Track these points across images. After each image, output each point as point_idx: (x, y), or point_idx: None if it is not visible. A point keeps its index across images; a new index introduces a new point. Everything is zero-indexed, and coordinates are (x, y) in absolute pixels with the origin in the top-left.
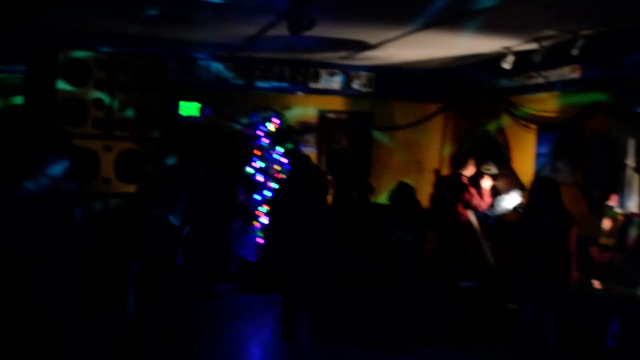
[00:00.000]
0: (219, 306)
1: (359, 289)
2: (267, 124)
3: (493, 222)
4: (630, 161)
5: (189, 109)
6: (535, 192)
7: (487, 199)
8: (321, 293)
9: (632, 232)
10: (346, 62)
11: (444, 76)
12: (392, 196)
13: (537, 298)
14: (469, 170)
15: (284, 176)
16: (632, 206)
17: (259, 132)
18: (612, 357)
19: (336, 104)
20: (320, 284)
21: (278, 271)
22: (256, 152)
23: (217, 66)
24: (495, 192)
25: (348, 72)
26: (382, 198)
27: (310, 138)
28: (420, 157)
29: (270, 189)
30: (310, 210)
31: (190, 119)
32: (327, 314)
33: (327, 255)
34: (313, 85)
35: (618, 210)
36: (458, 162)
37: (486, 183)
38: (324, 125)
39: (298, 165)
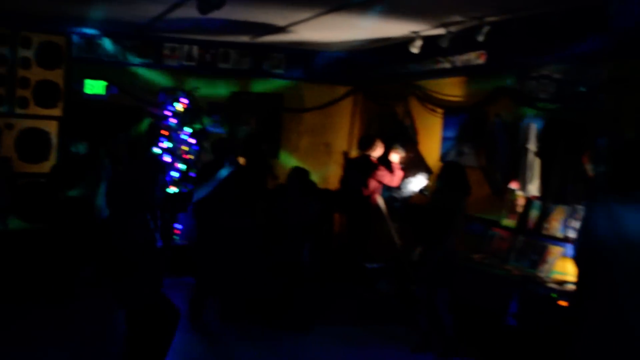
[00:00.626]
0: None
1: (265, 273)
2: (175, 104)
3: (400, 204)
4: (532, 145)
5: (95, 87)
6: (442, 176)
7: (399, 173)
8: (231, 277)
9: (533, 215)
10: (256, 41)
11: (353, 59)
12: (287, 180)
13: (426, 279)
14: (377, 152)
15: (192, 157)
16: (532, 189)
17: (166, 112)
18: (512, 335)
19: (246, 84)
20: (231, 268)
21: (193, 255)
22: (164, 132)
23: (124, 44)
24: (403, 176)
25: (258, 53)
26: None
27: (220, 119)
28: (330, 139)
29: (177, 170)
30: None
31: (96, 97)
32: (237, 299)
33: (237, 241)
34: (223, 65)
35: (520, 193)
36: (366, 144)
37: (394, 157)
38: (233, 106)
39: (217, 150)
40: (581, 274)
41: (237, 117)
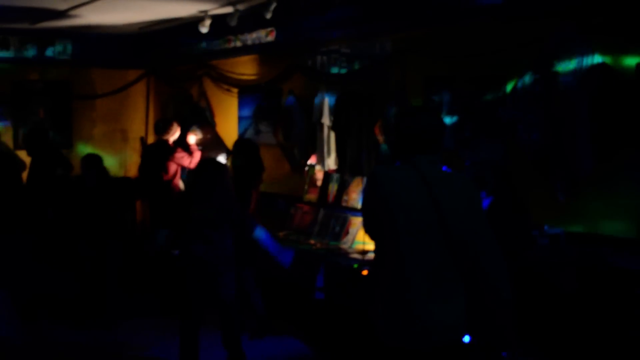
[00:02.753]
0: None
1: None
2: None
3: None
4: (326, 120)
5: None
6: (236, 154)
7: (197, 155)
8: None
9: (332, 188)
10: (39, 27)
11: (143, 41)
12: (82, 170)
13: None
14: (174, 136)
15: None
16: (330, 163)
17: None
18: (321, 308)
19: (30, 73)
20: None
21: None
22: None
23: None
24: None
25: (41, 38)
26: None
27: (4, 110)
28: (125, 125)
29: None
30: None
31: None
32: (29, 296)
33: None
34: (2, 53)
35: (318, 167)
36: (162, 128)
37: (192, 139)
38: (19, 96)
39: None
40: (375, 240)
41: (23, 107)
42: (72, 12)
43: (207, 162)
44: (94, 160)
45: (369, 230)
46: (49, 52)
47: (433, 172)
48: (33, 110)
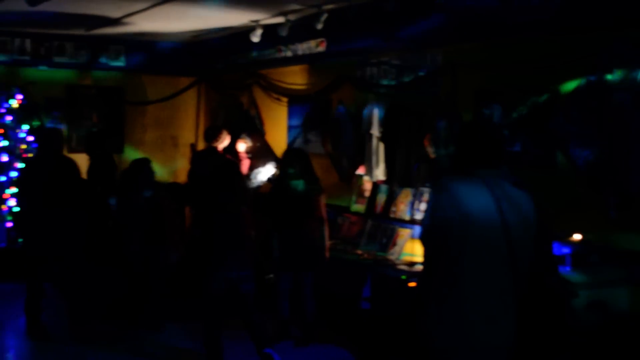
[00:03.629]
0: None
1: (111, 270)
2: (10, 100)
3: (250, 194)
4: (375, 131)
5: None
6: (286, 163)
7: (246, 163)
8: (75, 275)
9: (380, 199)
10: (93, 34)
11: (196, 49)
12: (130, 174)
13: (293, 265)
14: (224, 143)
15: (31, 155)
16: (378, 174)
17: (1, 110)
18: (367, 319)
19: (84, 78)
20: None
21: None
22: None
23: None
24: (252, 166)
25: (95, 45)
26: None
27: (59, 115)
28: (176, 132)
29: (16, 169)
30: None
31: None
32: (83, 297)
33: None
34: (58, 59)
35: (366, 178)
36: (212, 136)
37: (241, 147)
38: (73, 101)
39: (45, 141)
40: (428, 254)
41: (78, 112)
42: (126, 20)
43: (225, 164)
44: (145, 165)
45: (430, 240)
46: (103, 58)
47: (499, 188)
48: (86, 115)
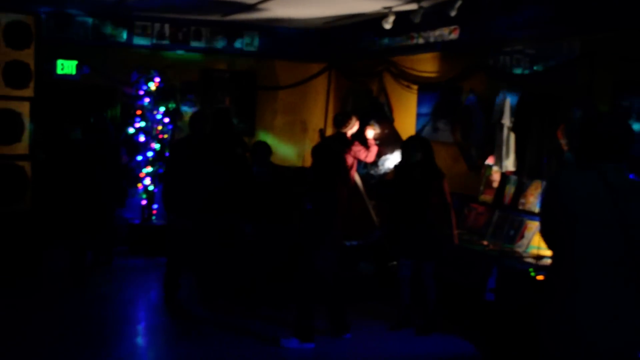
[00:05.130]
0: (109, 270)
1: (243, 251)
2: (148, 83)
3: (376, 181)
4: (507, 121)
5: (66, 67)
6: (407, 149)
7: (374, 149)
8: (210, 256)
9: (509, 190)
10: (229, 19)
11: (327, 36)
12: (256, 155)
13: (414, 253)
14: (353, 129)
15: (166, 136)
16: (508, 165)
17: (140, 92)
18: (491, 311)
19: (219, 62)
20: (210, 246)
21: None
22: (138, 112)
23: (94, 22)
24: (379, 153)
25: (230, 30)
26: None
27: (194, 98)
28: (305, 117)
29: (152, 150)
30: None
31: (67, 77)
32: (215, 277)
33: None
34: (195, 43)
35: (495, 168)
36: (341, 121)
37: (370, 134)
38: (207, 85)
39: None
40: (551, 246)
41: (212, 95)
42: (261, 6)
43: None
44: (265, 148)
45: (545, 235)
46: (238, 43)
47: (620, 181)
48: (220, 98)
